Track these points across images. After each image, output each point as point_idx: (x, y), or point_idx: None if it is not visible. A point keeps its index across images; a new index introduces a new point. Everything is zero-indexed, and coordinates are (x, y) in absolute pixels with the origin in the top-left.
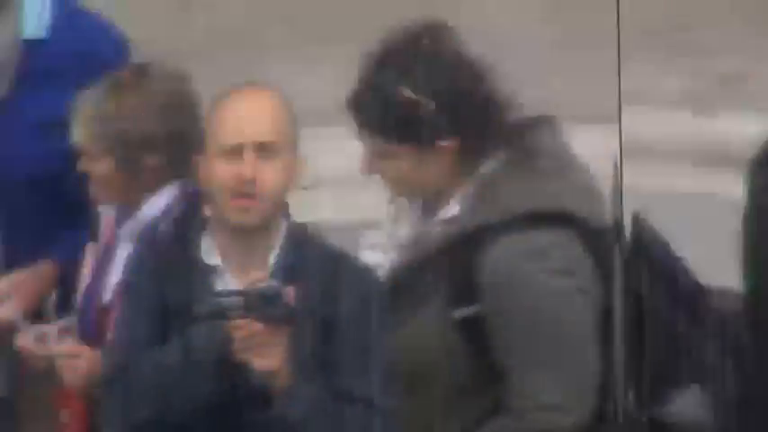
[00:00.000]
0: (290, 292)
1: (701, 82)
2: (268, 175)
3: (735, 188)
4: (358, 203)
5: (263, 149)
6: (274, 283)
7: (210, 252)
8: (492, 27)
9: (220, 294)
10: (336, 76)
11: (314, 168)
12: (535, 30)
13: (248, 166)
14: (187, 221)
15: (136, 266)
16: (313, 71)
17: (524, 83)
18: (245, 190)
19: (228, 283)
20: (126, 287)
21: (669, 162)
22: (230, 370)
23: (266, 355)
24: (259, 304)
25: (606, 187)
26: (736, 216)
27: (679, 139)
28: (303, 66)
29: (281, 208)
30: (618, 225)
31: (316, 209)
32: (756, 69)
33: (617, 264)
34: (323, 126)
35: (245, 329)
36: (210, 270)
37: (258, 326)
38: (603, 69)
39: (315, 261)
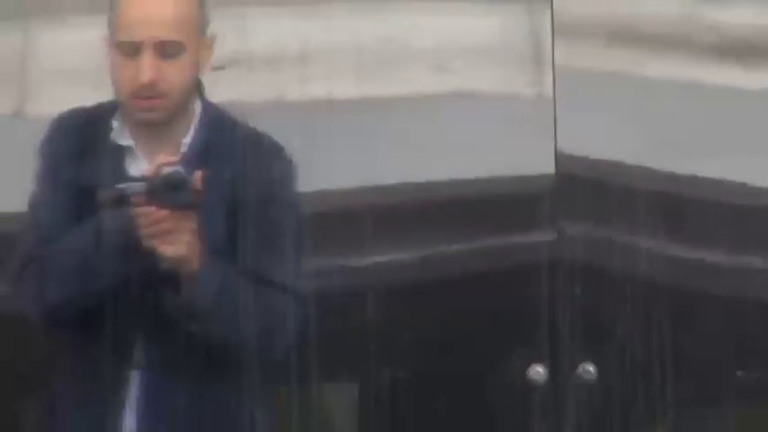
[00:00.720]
0: (197, 177)
1: None
2: (171, 74)
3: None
4: (275, 83)
5: (165, 48)
6: (180, 168)
7: (122, 132)
8: None
9: (125, 180)
10: None
11: (229, 47)
12: None
13: (147, 68)
14: (100, 104)
15: (48, 145)
16: None
17: None
18: (144, 93)
19: (141, 165)
20: (39, 168)
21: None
22: (138, 255)
23: (173, 241)
24: (163, 190)
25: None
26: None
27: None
28: None
29: (193, 94)
30: None
31: (232, 88)
32: None
33: None
34: (238, 5)
35: (149, 216)
36: (122, 151)
37: (163, 212)
38: None
39: (228, 141)
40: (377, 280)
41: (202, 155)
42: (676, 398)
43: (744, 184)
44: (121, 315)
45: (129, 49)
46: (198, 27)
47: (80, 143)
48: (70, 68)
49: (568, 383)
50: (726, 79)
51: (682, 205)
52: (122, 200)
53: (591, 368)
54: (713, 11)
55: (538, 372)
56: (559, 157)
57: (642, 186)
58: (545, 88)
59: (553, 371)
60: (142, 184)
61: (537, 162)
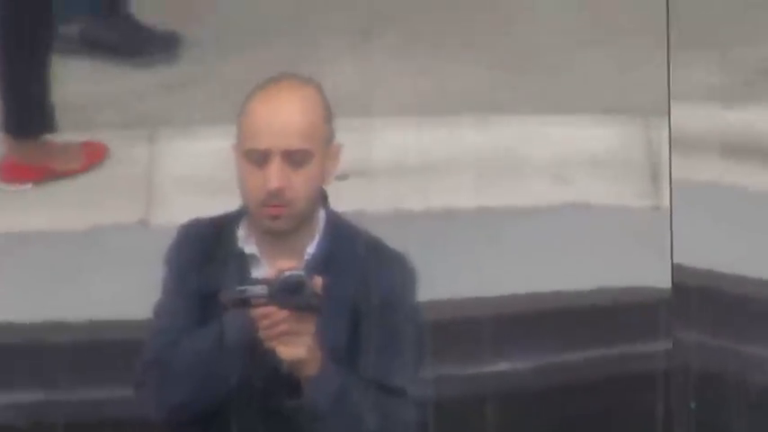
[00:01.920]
0: (316, 281)
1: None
2: (298, 182)
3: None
4: (396, 193)
5: (293, 157)
6: (300, 272)
7: (248, 240)
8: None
9: (247, 283)
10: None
11: (353, 158)
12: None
13: (275, 176)
14: (226, 214)
15: (174, 253)
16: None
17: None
18: (272, 201)
19: (264, 272)
20: (166, 273)
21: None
22: (259, 357)
23: (293, 343)
24: (283, 292)
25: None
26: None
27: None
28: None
29: (318, 202)
30: None
31: (355, 198)
32: None
33: None
34: (362, 116)
35: (269, 317)
36: (247, 259)
37: (283, 314)
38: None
39: (350, 250)
40: (495, 388)
41: (326, 263)
42: None
43: None
44: (242, 417)
45: (258, 157)
46: (325, 137)
47: (206, 251)
48: (196, 177)
49: None
50: None
51: None
52: (244, 301)
53: None
54: None
55: None
56: (676, 269)
57: (757, 295)
58: (662, 200)
59: None
60: (264, 286)
61: (653, 274)
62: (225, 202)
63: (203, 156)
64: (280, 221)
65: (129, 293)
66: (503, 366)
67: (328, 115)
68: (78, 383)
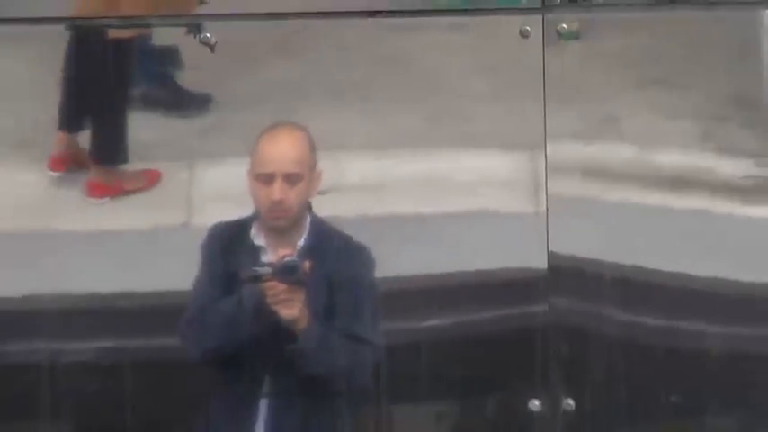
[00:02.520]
0: (305, 265)
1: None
2: (293, 195)
3: None
4: (360, 204)
5: (290, 178)
6: (294, 258)
7: (258, 236)
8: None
9: (257, 265)
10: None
11: (330, 179)
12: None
13: (277, 191)
14: (243, 218)
15: (206, 245)
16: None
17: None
18: (275, 208)
19: (269, 258)
20: (202, 259)
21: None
22: (267, 316)
23: (290, 306)
24: (283, 272)
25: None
26: None
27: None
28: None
29: (306, 210)
30: None
31: (331, 207)
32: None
33: None
34: (335, 151)
35: (273, 288)
36: (257, 249)
37: (282, 287)
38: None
39: (328, 243)
40: (426, 338)
41: (311, 252)
42: (632, 416)
43: (672, 271)
44: (253, 358)
45: (266, 179)
46: (311, 164)
47: (228, 244)
48: (221, 193)
49: (556, 413)
50: (660, 202)
51: (636, 286)
52: (257, 277)
53: (571, 401)
54: (655, 154)
55: (535, 404)
56: (550, 255)
57: (610, 272)
58: (541, 208)
59: (545, 404)
60: (269, 267)
61: (536, 258)
62: (241, 211)
63: (227, 179)
64: (281, 222)
65: (176, 275)
66: (432, 322)
67: (313, 150)
68: (141, 335)
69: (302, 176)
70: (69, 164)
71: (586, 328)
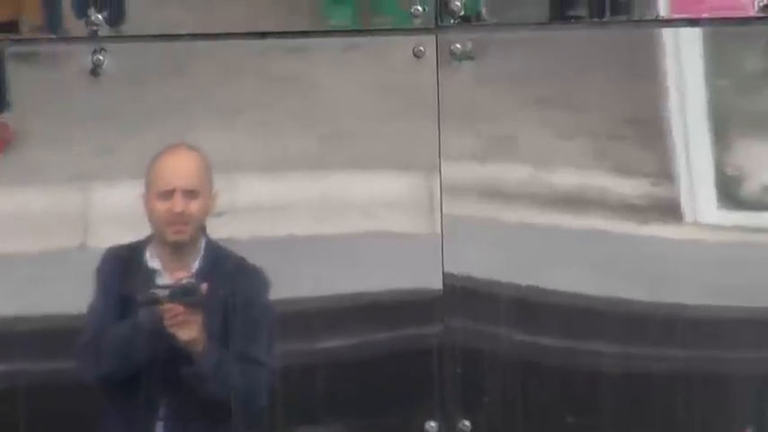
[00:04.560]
0: (203, 287)
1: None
2: (192, 209)
3: None
4: (254, 225)
5: (189, 193)
6: (192, 280)
7: (153, 258)
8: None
9: (155, 288)
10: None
11: (225, 201)
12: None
13: (178, 204)
14: (137, 240)
15: (101, 268)
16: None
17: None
18: (177, 221)
19: (165, 280)
20: (97, 282)
21: None
22: (164, 339)
23: (187, 328)
24: (180, 295)
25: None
26: None
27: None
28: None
29: (202, 230)
30: None
31: (226, 230)
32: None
33: None
34: (230, 173)
35: (171, 311)
36: (152, 271)
37: (180, 309)
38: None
39: (223, 265)
40: (323, 359)
41: (206, 274)
42: None
43: (568, 291)
44: (150, 381)
45: (167, 194)
46: (208, 184)
47: (123, 266)
48: (120, 215)
49: None
50: (556, 221)
51: (532, 306)
52: (154, 300)
53: (467, 422)
54: (550, 173)
55: (431, 425)
56: (445, 275)
57: (503, 292)
58: (436, 228)
59: (441, 425)
60: (167, 290)
61: (431, 278)
62: (136, 233)
63: (121, 201)
64: (182, 236)
65: (72, 298)
66: (327, 344)
67: (209, 170)
68: (37, 359)
69: (200, 193)
70: None
71: (482, 348)
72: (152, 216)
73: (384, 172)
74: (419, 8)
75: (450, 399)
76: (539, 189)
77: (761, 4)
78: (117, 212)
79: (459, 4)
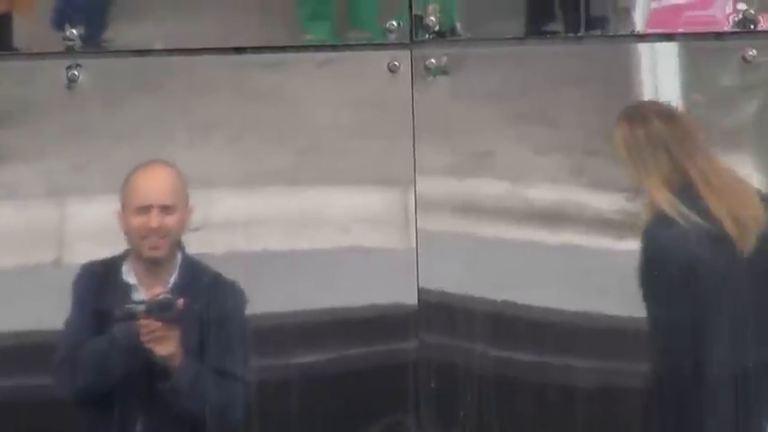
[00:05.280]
0: (180, 302)
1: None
2: (169, 224)
3: None
4: (229, 241)
5: (166, 209)
6: (169, 295)
7: (129, 273)
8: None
9: (131, 303)
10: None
11: (200, 216)
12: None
13: (155, 219)
14: (114, 256)
15: (78, 283)
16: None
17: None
18: (153, 236)
19: (141, 295)
20: (73, 297)
21: None
22: (140, 354)
23: (164, 344)
24: (157, 310)
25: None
26: None
27: None
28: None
29: (178, 245)
30: None
31: (202, 245)
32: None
33: None
34: (206, 189)
35: (148, 326)
36: (129, 287)
37: (157, 324)
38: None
39: (199, 280)
40: (298, 375)
41: (182, 289)
42: None
43: (543, 306)
44: (126, 396)
45: (143, 210)
46: (184, 199)
47: (99, 282)
48: (96, 231)
49: None
50: (531, 237)
51: (507, 322)
52: (131, 315)
53: None
54: (526, 189)
55: None
56: (420, 290)
57: (477, 307)
58: (411, 243)
59: None
60: (144, 305)
61: (405, 294)
62: (112, 249)
63: (97, 216)
64: (159, 252)
65: (48, 313)
66: (303, 359)
67: (184, 186)
68: (12, 374)
69: (176, 208)
70: None
71: (457, 363)
72: (128, 232)
73: (359, 187)
74: (394, 23)
75: (425, 414)
76: (514, 204)
77: (735, 19)
78: (92, 228)
79: (434, 19)
